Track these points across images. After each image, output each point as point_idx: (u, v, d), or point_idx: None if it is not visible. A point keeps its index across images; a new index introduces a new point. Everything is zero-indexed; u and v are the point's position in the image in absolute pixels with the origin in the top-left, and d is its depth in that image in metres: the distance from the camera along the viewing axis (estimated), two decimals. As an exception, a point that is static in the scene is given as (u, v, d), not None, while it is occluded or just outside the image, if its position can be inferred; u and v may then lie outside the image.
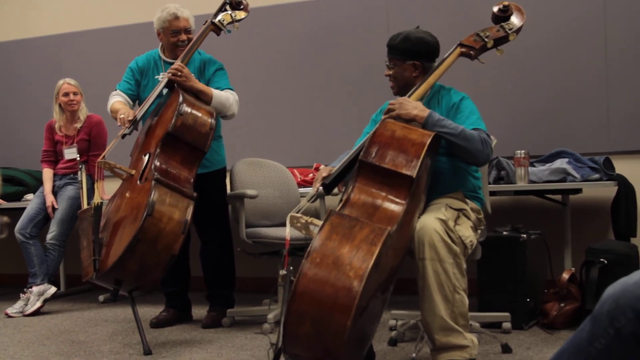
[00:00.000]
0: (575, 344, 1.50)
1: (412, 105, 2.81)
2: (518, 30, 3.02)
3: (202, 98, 3.77)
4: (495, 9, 3.06)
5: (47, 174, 5.03)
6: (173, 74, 3.72)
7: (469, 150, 2.78)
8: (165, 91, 3.80)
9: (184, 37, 3.93)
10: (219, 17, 3.91)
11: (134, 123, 3.70)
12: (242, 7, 3.97)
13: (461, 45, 3.01)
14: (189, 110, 3.61)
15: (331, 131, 5.13)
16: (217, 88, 3.88)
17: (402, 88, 3.01)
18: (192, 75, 3.81)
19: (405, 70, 3.01)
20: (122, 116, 3.69)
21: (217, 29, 3.92)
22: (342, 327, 2.15)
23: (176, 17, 3.91)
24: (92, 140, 4.97)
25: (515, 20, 3.03)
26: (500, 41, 3.02)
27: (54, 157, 5.07)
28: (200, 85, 3.79)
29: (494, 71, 4.57)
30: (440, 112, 2.88)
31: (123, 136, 3.72)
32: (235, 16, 3.93)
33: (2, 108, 6.21)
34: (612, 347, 1.42)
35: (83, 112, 5.01)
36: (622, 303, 1.40)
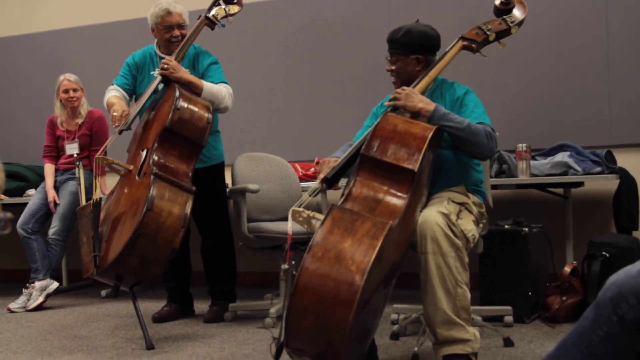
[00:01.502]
0: (578, 331, 1.50)
1: (418, 98, 2.80)
2: (520, 23, 3.02)
3: (192, 89, 3.77)
4: (498, 1, 3.05)
5: (49, 169, 5.04)
6: (161, 67, 3.73)
7: (474, 144, 2.77)
8: (161, 86, 3.80)
9: (177, 32, 3.91)
10: (213, 11, 3.91)
11: (127, 123, 3.68)
12: (235, 1, 3.96)
13: (463, 38, 3.01)
14: (185, 104, 3.61)
15: (332, 125, 5.13)
16: (210, 82, 3.86)
17: (404, 83, 3.00)
18: (181, 66, 3.80)
19: (408, 64, 3.00)
20: (115, 114, 3.68)
21: (211, 23, 3.91)
22: (344, 322, 2.15)
23: (169, 13, 3.90)
24: (93, 136, 4.97)
25: (517, 13, 3.03)
26: (502, 34, 3.01)
27: (55, 152, 5.08)
28: (190, 77, 3.78)
29: (496, 64, 4.56)
30: (444, 106, 2.88)
31: (120, 132, 3.72)
32: (228, 10, 3.92)
33: (3, 103, 6.21)
34: (614, 334, 1.42)
35: (84, 108, 5.01)
36: (625, 290, 1.40)
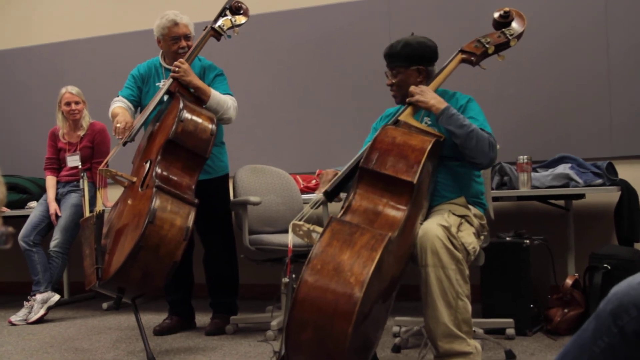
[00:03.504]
0: (579, 343, 1.49)
1: (432, 95, 2.86)
2: (519, 35, 3.03)
3: (200, 95, 3.79)
4: (496, 14, 3.06)
5: (51, 181, 5.05)
6: (173, 70, 3.76)
7: (476, 151, 2.79)
8: (166, 97, 3.81)
9: (183, 43, 3.93)
10: (219, 22, 3.91)
11: (131, 134, 3.69)
12: (242, 11, 3.96)
13: (462, 51, 3.02)
14: (189, 116, 3.61)
15: (333, 137, 5.14)
16: None
17: (405, 96, 3.00)
18: (192, 71, 3.82)
19: (409, 76, 3.01)
20: (118, 125, 3.68)
21: (217, 34, 3.91)
22: (344, 334, 2.15)
23: (175, 24, 3.91)
24: (95, 148, 4.98)
25: (516, 26, 3.04)
26: (501, 47, 3.02)
27: (57, 164, 5.08)
28: (199, 82, 3.82)
29: (496, 76, 4.56)
30: None
31: (124, 144, 3.73)
32: (235, 21, 3.92)
33: (5, 116, 6.23)
34: (615, 345, 1.42)
35: (86, 120, 5.02)
36: (626, 301, 1.40)
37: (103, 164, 3.85)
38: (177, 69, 3.74)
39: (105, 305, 5.18)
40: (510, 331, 3.59)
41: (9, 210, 5.29)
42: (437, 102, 2.83)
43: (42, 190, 5.26)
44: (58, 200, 4.99)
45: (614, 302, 1.42)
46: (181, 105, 3.61)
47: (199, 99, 3.83)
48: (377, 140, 2.66)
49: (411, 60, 3.00)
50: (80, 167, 4.90)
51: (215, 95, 3.83)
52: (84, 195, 4.21)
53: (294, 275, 2.49)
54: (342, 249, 2.29)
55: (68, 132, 5.04)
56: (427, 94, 2.86)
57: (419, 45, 3.00)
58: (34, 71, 6.12)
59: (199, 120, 3.65)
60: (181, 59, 3.80)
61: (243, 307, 4.40)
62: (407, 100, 2.90)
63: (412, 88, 2.90)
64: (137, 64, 4.16)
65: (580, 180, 4.04)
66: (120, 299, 3.48)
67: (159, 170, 3.53)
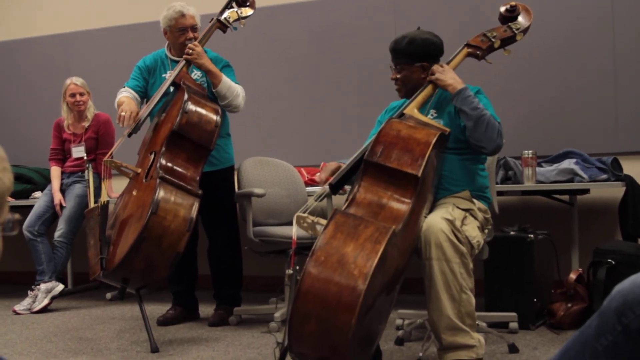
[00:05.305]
0: (581, 340, 1.49)
1: (451, 75, 2.88)
2: (525, 30, 3.02)
3: (211, 79, 3.82)
4: (503, 9, 3.06)
5: (55, 172, 5.06)
6: (186, 53, 3.77)
7: (484, 136, 2.80)
8: (171, 89, 3.81)
9: (190, 34, 3.92)
10: (225, 14, 3.91)
11: (136, 125, 3.70)
12: (248, 3, 3.96)
13: (468, 45, 3.01)
14: (194, 108, 3.62)
15: (338, 130, 5.13)
16: None
17: (410, 90, 3.00)
18: (205, 54, 3.83)
19: (413, 72, 3.01)
20: (123, 114, 3.68)
21: (223, 26, 3.91)
22: (347, 326, 2.16)
23: (182, 15, 3.91)
24: (99, 139, 4.99)
25: (522, 20, 3.03)
26: (507, 41, 3.02)
27: (62, 155, 5.10)
28: (212, 66, 3.83)
29: (501, 71, 4.55)
30: (454, 107, 2.89)
31: (129, 135, 3.73)
32: (241, 13, 3.92)
33: (10, 106, 6.24)
34: (618, 343, 1.41)
35: (91, 111, 5.03)
36: (631, 299, 1.39)
37: (108, 155, 3.86)
38: (190, 51, 3.76)
39: (109, 295, 5.19)
40: (514, 325, 3.59)
41: (13, 200, 5.30)
42: (455, 82, 2.85)
43: (47, 180, 5.27)
44: (63, 191, 5.00)
45: (619, 299, 1.41)
46: (186, 96, 3.61)
47: (205, 90, 3.84)
48: (382, 133, 2.65)
49: (415, 57, 2.99)
50: (85, 158, 4.90)
51: (226, 81, 3.85)
52: (88, 186, 4.22)
53: (297, 267, 2.49)
54: (346, 242, 2.29)
55: (73, 123, 5.05)
56: (447, 73, 2.88)
57: (424, 42, 2.99)
58: (39, 62, 6.11)
59: (204, 111, 3.65)
60: (195, 42, 3.81)
61: (246, 299, 4.41)
62: (428, 78, 2.92)
63: (435, 67, 2.91)
64: (143, 55, 4.16)
65: (585, 176, 4.03)
66: (124, 289, 3.50)
67: (163, 162, 3.54)
